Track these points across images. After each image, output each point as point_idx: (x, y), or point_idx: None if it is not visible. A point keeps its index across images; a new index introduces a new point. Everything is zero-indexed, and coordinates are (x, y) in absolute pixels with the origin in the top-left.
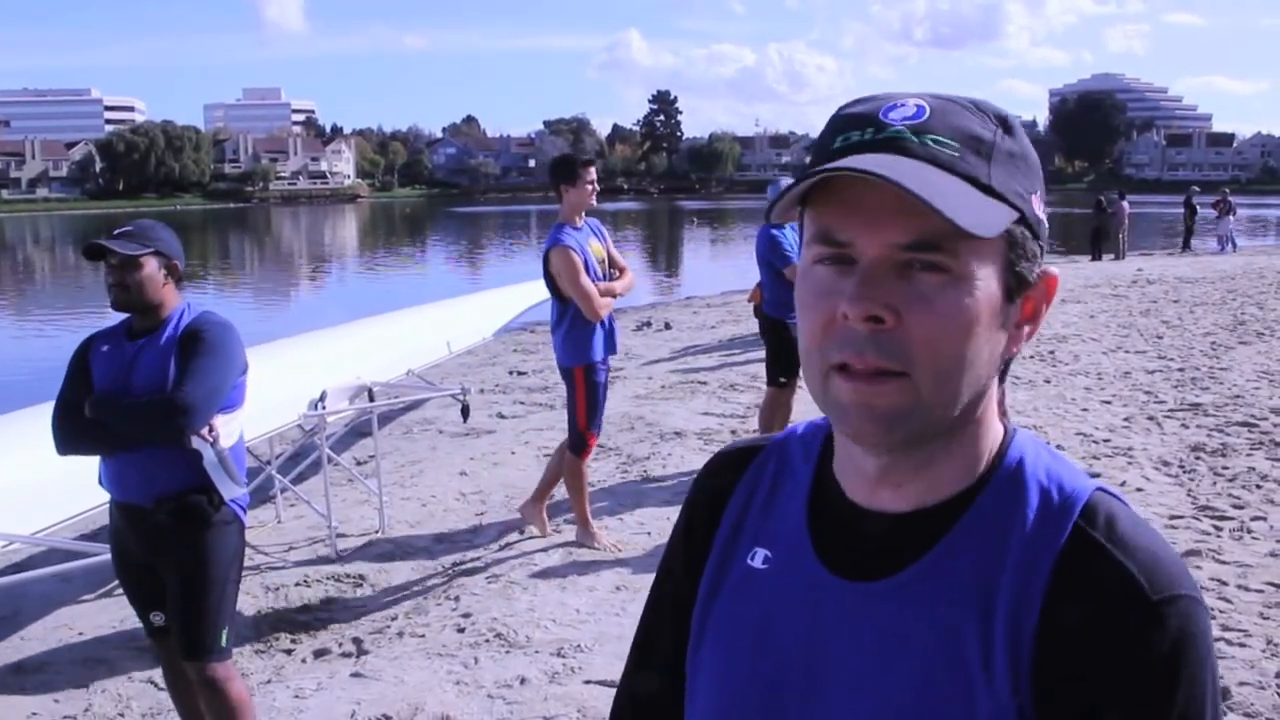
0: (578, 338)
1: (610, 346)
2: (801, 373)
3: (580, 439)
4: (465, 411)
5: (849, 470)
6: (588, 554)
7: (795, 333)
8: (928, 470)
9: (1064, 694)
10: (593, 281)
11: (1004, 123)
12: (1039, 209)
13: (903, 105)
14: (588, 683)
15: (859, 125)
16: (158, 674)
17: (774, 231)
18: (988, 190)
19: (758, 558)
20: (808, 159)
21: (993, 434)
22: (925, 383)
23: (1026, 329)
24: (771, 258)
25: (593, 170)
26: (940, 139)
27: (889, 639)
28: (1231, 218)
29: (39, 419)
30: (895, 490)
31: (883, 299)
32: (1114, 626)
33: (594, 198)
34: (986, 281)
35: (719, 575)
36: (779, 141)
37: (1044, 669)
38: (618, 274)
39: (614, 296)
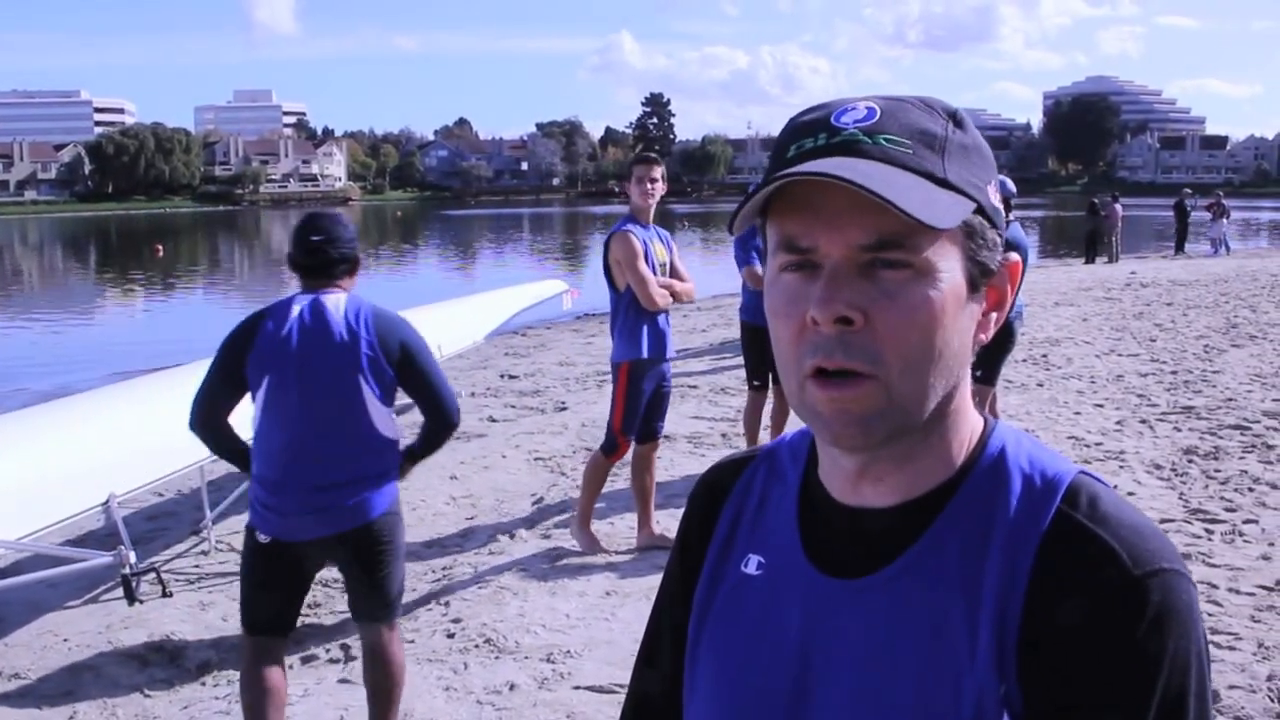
0: (627, 332)
1: (660, 349)
2: (780, 378)
3: (612, 441)
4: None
5: (832, 471)
6: (578, 559)
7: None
8: (907, 464)
9: (1049, 673)
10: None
11: (954, 117)
12: (994, 198)
13: (854, 108)
14: (577, 688)
15: (812, 132)
16: (145, 680)
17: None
18: (943, 183)
19: (751, 564)
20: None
21: (970, 425)
22: (895, 381)
23: (994, 315)
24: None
25: (650, 169)
26: (893, 137)
27: (879, 633)
28: (1225, 220)
29: (23, 423)
30: (876, 486)
31: (849, 300)
32: (1096, 602)
33: (652, 199)
34: (950, 274)
35: (713, 584)
36: (772, 144)
37: (1030, 650)
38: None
39: (672, 293)
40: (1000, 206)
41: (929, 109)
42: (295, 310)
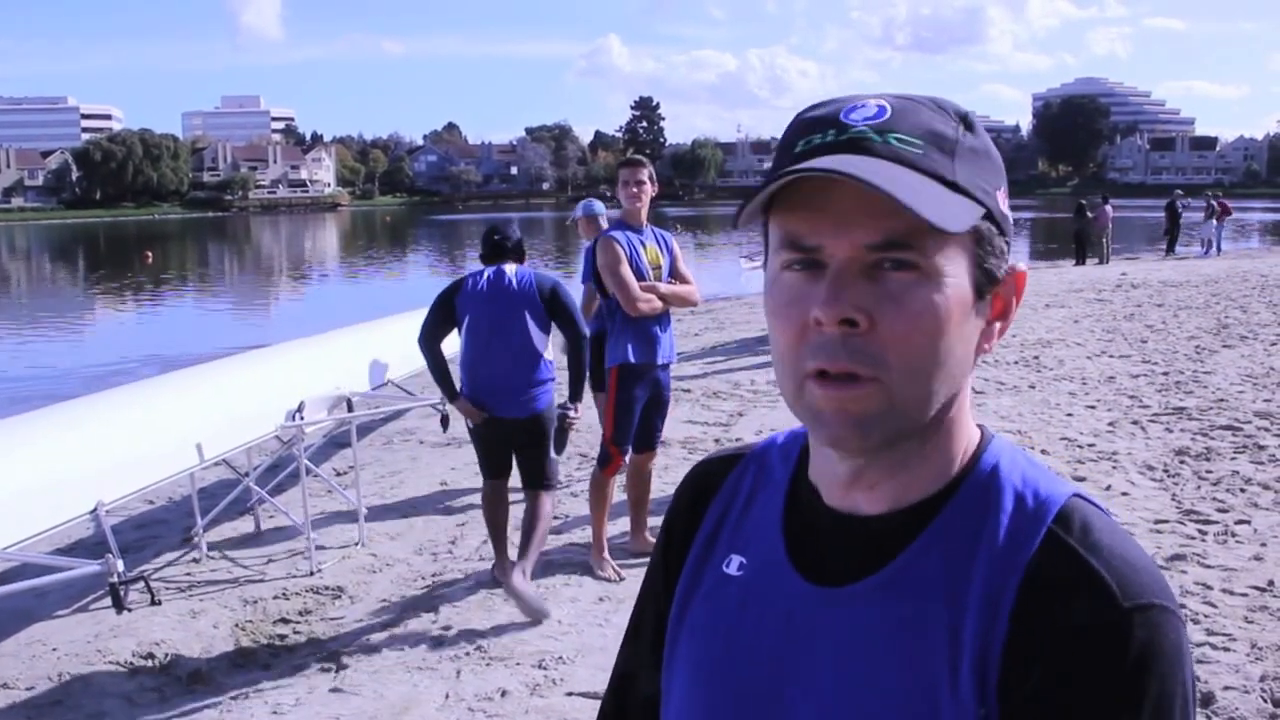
0: (616, 336)
1: (650, 354)
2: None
3: (604, 453)
4: (445, 422)
5: (824, 475)
6: (570, 564)
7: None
8: (902, 472)
9: (1029, 702)
10: (638, 279)
11: (965, 120)
12: (1003, 204)
13: (864, 106)
14: (569, 695)
15: (821, 128)
16: (134, 690)
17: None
18: (953, 186)
19: (733, 564)
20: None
21: (966, 436)
22: (898, 385)
23: (998, 325)
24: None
25: (635, 171)
26: (903, 137)
27: (858, 644)
28: (1215, 221)
29: (10, 430)
30: (869, 492)
31: (854, 301)
32: (1082, 632)
33: (640, 202)
34: (956, 278)
35: (694, 582)
36: (761, 147)
37: (1011, 676)
38: (675, 283)
39: (659, 296)
40: (1009, 214)
41: (940, 110)
42: (485, 274)
